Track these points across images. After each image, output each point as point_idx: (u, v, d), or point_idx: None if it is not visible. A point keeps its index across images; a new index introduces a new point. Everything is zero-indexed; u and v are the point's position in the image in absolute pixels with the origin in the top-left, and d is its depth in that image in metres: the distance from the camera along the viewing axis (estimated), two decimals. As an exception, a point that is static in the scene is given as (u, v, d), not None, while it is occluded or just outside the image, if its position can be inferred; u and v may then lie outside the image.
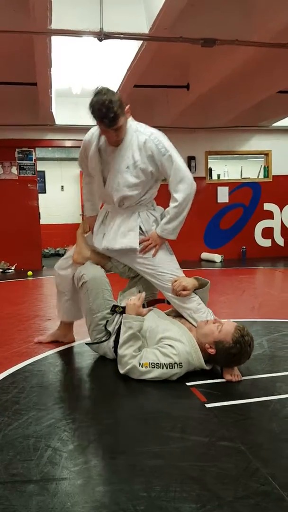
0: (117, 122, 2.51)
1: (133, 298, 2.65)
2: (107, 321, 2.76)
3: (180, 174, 2.66)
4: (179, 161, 2.67)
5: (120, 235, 2.78)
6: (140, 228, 2.78)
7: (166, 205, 2.78)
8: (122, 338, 2.53)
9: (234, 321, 2.58)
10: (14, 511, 1.45)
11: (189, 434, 1.92)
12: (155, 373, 2.44)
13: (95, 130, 2.74)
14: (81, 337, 3.27)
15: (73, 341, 3.27)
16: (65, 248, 3.18)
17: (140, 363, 2.44)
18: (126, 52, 4.98)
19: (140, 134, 2.65)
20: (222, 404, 2.19)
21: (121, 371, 2.51)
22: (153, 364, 2.44)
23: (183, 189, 2.68)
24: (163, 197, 2.90)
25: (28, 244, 7.90)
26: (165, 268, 2.78)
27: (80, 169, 3.06)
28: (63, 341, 3.26)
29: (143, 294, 2.72)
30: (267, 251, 8.90)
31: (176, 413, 2.13)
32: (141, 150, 2.64)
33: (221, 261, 8.22)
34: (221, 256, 8.32)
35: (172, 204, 2.71)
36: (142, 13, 4.23)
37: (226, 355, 2.45)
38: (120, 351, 2.52)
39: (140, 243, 2.78)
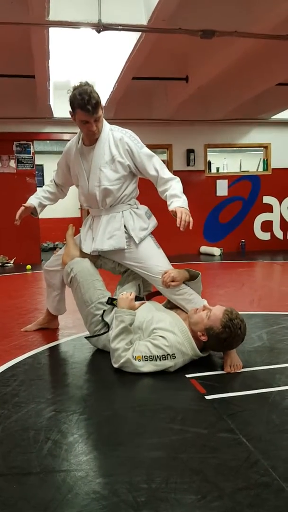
0: (98, 109, 2.61)
1: (125, 293, 2.69)
2: (104, 311, 2.77)
3: (162, 163, 2.79)
4: (156, 156, 2.81)
5: (107, 236, 2.84)
6: (125, 226, 2.83)
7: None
8: (114, 331, 2.54)
9: None
10: (14, 503, 1.45)
11: (189, 426, 1.92)
12: (149, 367, 2.44)
13: (73, 139, 2.89)
14: (80, 330, 3.27)
15: (58, 326, 3.47)
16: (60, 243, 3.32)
17: (133, 356, 2.45)
18: (125, 44, 4.94)
19: (115, 132, 2.78)
20: (221, 396, 2.20)
21: (115, 365, 2.50)
22: (145, 357, 2.44)
23: (169, 172, 2.80)
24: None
25: (27, 238, 7.87)
26: (154, 261, 2.82)
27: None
28: (49, 327, 3.44)
29: (133, 292, 2.75)
30: (266, 244, 8.88)
31: (176, 405, 2.13)
32: (117, 146, 2.74)
33: (220, 255, 8.20)
34: (220, 250, 8.29)
35: (172, 181, 2.74)
36: (140, 4, 4.19)
37: (217, 340, 2.46)
38: (113, 345, 2.52)
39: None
